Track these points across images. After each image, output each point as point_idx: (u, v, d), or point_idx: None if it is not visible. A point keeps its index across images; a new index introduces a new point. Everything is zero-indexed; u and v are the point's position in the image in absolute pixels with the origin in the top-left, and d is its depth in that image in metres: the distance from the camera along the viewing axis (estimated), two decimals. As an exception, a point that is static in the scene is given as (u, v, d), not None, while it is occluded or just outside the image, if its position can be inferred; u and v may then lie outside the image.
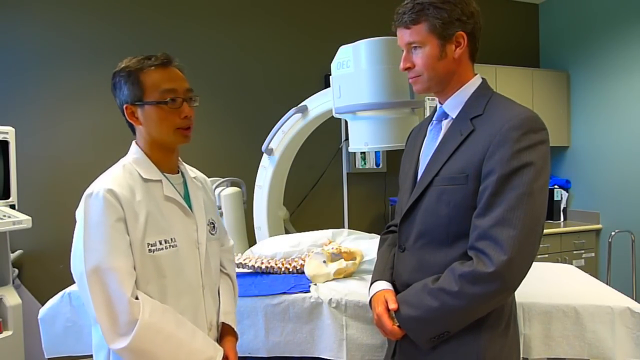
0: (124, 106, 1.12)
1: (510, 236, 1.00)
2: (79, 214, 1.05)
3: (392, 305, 1.17)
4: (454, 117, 1.17)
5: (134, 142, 1.18)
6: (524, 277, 1.04)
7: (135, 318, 0.99)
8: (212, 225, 1.26)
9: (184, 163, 1.26)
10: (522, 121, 1.04)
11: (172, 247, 1.11)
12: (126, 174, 1.09)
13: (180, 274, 1.12)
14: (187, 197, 1.20)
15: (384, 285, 1.26)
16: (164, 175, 1.16)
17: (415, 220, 1.19)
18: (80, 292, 1.05)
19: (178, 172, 1.22)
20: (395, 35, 1.20)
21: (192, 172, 1.30)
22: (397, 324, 1.16)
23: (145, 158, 1.14)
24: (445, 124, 1.20)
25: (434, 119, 1.24)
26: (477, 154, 1.07)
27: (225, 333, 1.24)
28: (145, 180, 1.11)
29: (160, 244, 1.09)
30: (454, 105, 1.18)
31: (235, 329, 1.27)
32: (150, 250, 1.07)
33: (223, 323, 1.25)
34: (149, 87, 1.09)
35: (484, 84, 1.19)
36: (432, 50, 1.12)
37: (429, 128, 1.26)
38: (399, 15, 1.15)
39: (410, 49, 1.15)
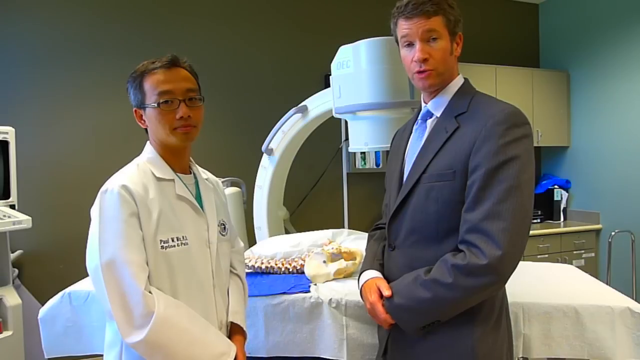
0: (134, 110, 1.17)
1: (501, 229, 1.01)
2: (94, 211, 1.08)
3: (387, 292, 1.18)
4: (438, 115, 1.19)
5: (147, 142, 1.21)
6: (515, 268, 1.06)
7: (151, 310, 1.00)
8: (223, 226, 1.28)
9: (196, 165, 1.29)
10: (506, 116, 1.06)
11: (183, 244, 1.12)
12: (140, 172, 1.12)
13: (192, 272, 1.14)
14: (198, 197, 1.22)
15: (373, 273, 1.28)
16: (177, 175, 1.19)
17: (404, 219, 1.20)
18: (95, 287, 1.06)
19: (190, 173, 1.25)
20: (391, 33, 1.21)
21: (204, 173, 1.32)
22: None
23: (158, 158, 1.17)
24: (430, 122, 1.22)
25: (418, 118, 1.26)
26: (463, 149, 1.09)
27: (233, 332, 1.25)
28: (159, 179, 1.14)
29: (172, 241, 1.11)
30: (438, 104, 1.20)
31: (245, 328, 1.28)
32: (162, 247, 1.09)
33: (232, 322, 1.26)
34: (148, 91, 1.12)
35: (467, 83, 1.22)
36: (447, 44, 1.14)
37: (414, 127, 1.28)
38: (416, 4, 1.12)
39: (427, 39, 1.13)
